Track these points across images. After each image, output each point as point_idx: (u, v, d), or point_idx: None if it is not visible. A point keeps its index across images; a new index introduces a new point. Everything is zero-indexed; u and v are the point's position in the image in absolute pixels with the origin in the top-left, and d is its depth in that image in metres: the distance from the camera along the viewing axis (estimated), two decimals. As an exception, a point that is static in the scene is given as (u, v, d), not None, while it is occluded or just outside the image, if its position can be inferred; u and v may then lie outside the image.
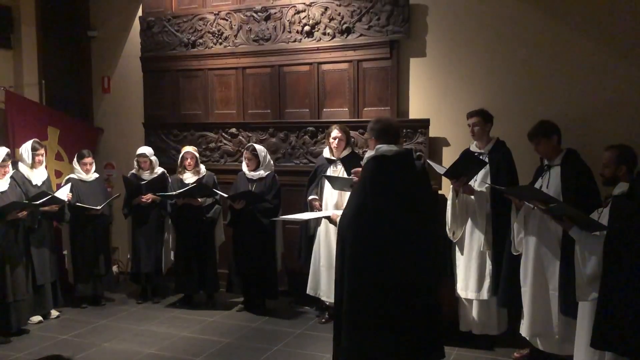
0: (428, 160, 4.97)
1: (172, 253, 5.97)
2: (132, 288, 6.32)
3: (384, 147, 3.40)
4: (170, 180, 5.96)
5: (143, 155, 6.00)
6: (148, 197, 5.84)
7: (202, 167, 5.89)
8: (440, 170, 4.68)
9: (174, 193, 5.63)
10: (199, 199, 5.69)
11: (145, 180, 5.90)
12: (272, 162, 5.72)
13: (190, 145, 6.14)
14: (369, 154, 3.45)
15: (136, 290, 6.23)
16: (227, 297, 5.93)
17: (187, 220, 5.75)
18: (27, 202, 5.05)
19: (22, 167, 5.36)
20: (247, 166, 5.62)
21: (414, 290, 3.31)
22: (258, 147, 5.65)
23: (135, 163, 6.01)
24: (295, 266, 5.75)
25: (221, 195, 5.60)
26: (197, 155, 5.86)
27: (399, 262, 3.29)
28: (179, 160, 5.86)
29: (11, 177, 5.16)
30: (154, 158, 6.07)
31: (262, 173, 5.57)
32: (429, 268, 3.44)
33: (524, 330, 4.19)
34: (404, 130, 5.38)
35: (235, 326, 5.28)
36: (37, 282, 5.28)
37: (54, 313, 5.54)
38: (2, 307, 4.92)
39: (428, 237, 3.50)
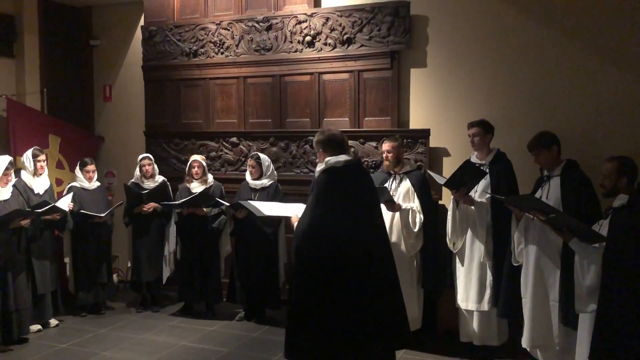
0: (428, 171, 4.98)
1: (173, 262, 5.97)
2: (132, 297, 6.32)
3: (332, 159, 3.37)
4: (178, 189, 5.95)
5: (147, 157, 6.01)
6: (150, 207, 5.84)
7: (210, 177, 5.89)
8: (440, 180, 4.69)
9: (177, 202, 5.64)
10: (204, 209, 5.69)
11: (146, 189, 5.91)
12: (275, 171, 5.74)
13: (192, 154, 6.17)
14: (320, 167, 3.43)
15: (136, 299, 6.22)
16: (227, 306, 5.91)
17: (191, 229, 5.76)
18: (29, 210, 5.06)
19: (24, 175, 5.38)
20: (251, 174, 5.64)
21: (376, 300, 3.29)
22: (262, 156, 5.68)
23: (137, 169, 6.02)
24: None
25: (224, 204, 5.61)
26: (205, 164, 5.86)
27: (360, 275, 3.26)
28: (187, 169, 5.87)
29: (13, 185, 5.17)
30: (155, 165, 6.08)
31: (265, 182, 5.58)
32: (392, 278, 3.43)
33: (524, 341, 4.17)
34: (405, 140, 5.40)
35: (235, 336, 5.27)
36: (37, 291, 5.27)
37: (54, 322, 5.53)
38: (4, 316, 4.91)
39: (387, 244, 3.49)
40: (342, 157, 3.38)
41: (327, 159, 3.40)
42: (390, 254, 3.48)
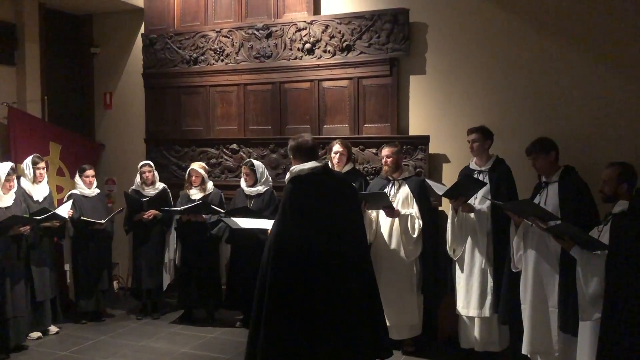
0: (427, 180, 4.98)
1: (173, 269, 5.96)
2: (132, 304, 6.31)
3: (296, 168, 3.35)
4: (178, 195, 5.97)
5: (147, 164, 6.02)
6: (150, 214, 5.85)
7: (210, 184, 5.88)
8: (439, 190, 4.68)
9: (177, 209, 5.65)
10: (203, 216, 5.69)
11: (146, 196, 5.91)
12: (270, 178, 5.75)
13: (192, 161, 6.19)
14: (287, 176, 3.41)
15: (136, 306, 6.21)
16: (227, 313, 5.91)
17: (191, 236, 5.77)
18: (27, 216, 5.05)
19: (24, 182, 5.38)
20: (245, 181, 5.65)
21: (349, 310, 3.24)
22: (256, 162, 5.69)
23: (137, 177, 6.02)
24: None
25: (220, 211, 5.61)
26: (203, 173, 5.83)
27: (329, 284, 3.20)
28: (186, 176, 5.89)
29: (16, 192, 5.18)
30: (155, 172, 6.09)
31: (260, 189, 5.60)
32: (368, 286, 3.36)
33: (524, 347, 4.15)
34: (404, 147, 5.41)
35: (235, 342, 5.27)
36: (36, 299, 5.27)
37: (53, 329, 5.52)
38: (1, 324, 4.89)
39: (362, 251, 3.40)
40: (307, 165, 3.34)
41: (292, 167, 3.37)
42: (366, 261, 3.40)
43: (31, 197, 5.36)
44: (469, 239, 4.63)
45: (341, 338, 3.20)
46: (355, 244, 3.39)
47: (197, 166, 5.87)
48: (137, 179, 6.04)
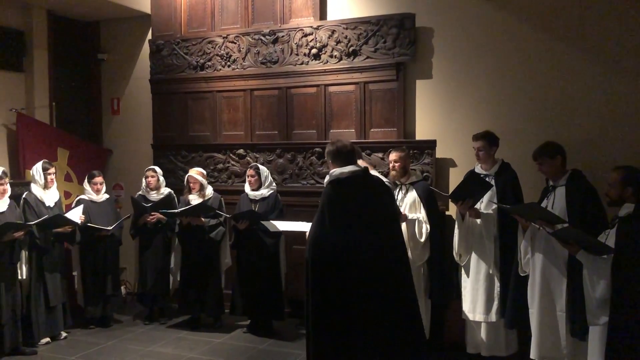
0: (431, 187, 4.96)
1: (178, 274, 5.97)
2: (139, 309, 6.31)
3: (336, 171, 3.39)
4: (178, 201, 5.98)
5: (152, 169, 6.03)
6: (154, 216, 5.85)
7: (209, 189, 5.87)
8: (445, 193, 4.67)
9: (177, 211, 5.65)
10: (202, 219, 5.70)
11: (152, 201, 5.92)
12: (273, 182, 5.76)
13: (198, 166, 6.19)
14: (327, 178, 3.46)
15: (143, 311, 6.22)
16: (233, 318, 5.90)
17: (191, 241, 5.76)
18: (20, 222, 4.98)
19: (35, 188, 5.36)
20: (250, 184, 5.66)
21: (380, 313, 3.27)
22: (261, 166, 5.71)
23: (143, 181, 6.03)
24: (299, 287, 5.73)
25: (225, 215, 5.62)
26: (201, 179, 5.79)
27: (362, 285, 3.24)
28: (185, 182, 5.90)
29: (24, 198, 5.20)
30: (161, 178, 6.10)
31: (264, 193, 5.61)
32: (401, 287, 3.38)
33: (532, 352, 4.13)
34: (411, 151, 5.41)
35: (242, 348, 5.27)
36: (49, 304, 5.28)
37: (62, 334, 5.53)
38: None
39: (399, 253, 3.44)
40: (347, 169, 3.37)
41: (332, 170, 3.43)
42: (404, 263, 3.44)
43: (43, 203, 5.34)
44: (476, 244, 4.61)
45: (379, 339, 3.25)
46: (392, 245, 3.41)
47: (195, 172, 5.84)
48: (143, 184, 6.05)
